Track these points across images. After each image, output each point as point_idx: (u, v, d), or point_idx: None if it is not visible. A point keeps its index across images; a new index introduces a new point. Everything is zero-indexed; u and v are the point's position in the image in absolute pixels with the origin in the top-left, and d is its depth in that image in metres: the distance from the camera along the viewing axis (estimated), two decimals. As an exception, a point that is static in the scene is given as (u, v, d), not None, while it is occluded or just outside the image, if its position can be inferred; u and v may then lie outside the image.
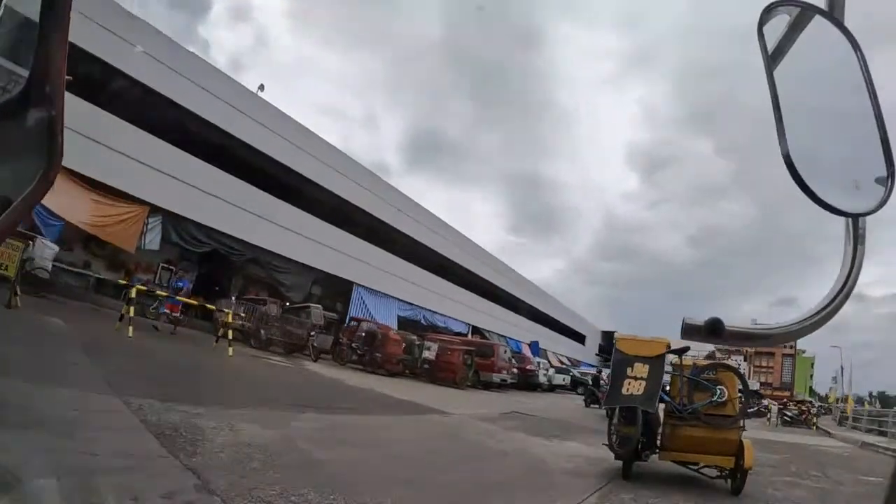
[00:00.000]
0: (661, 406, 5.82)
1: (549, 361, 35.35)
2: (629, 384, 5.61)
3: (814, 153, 0.84)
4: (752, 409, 23.99)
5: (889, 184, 0.77)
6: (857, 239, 0.82)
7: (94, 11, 13.71)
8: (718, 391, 5.62)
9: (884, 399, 53.25)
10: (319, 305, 18.42)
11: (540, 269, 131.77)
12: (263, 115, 19.37)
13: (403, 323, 24.75)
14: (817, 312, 0.78)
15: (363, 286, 23.66)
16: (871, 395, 59.46)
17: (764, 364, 70.72)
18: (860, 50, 0.88)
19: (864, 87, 0.85)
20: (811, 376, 68.06)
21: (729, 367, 6.29)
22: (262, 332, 15.76)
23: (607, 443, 5.93)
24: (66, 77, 0.61)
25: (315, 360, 15.44)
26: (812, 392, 66.50)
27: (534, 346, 34.99)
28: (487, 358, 20.00)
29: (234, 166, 18.21)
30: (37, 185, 0.58)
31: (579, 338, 52.67)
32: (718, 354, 60.32)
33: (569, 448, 7.76)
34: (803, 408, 25.21)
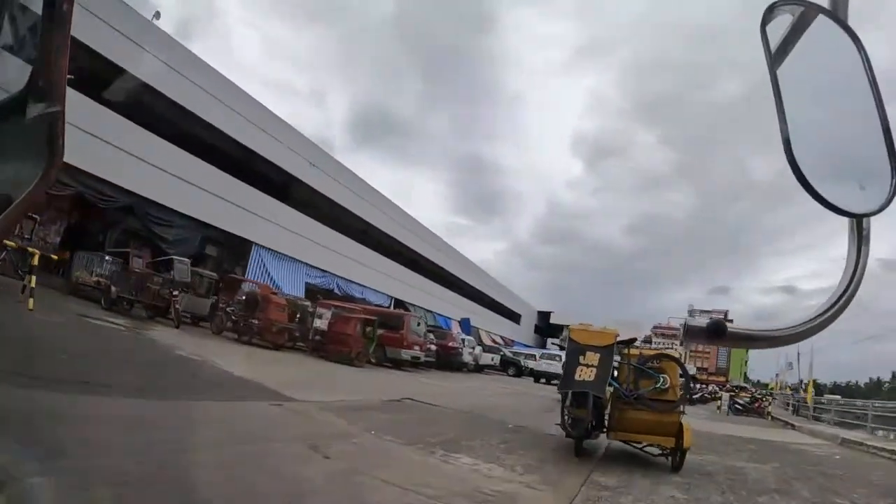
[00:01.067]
0: (610, 390, 6.35)
1: (481, 340, 34.28)
2: (581, 371, 6.07)
3: (817, 153, 0.83)
4: (696, 395, 24.56)
5: (893, 183, 0.77)
6: (860, 239, 0.80)
7: None
8: (661, 379, 6.22)
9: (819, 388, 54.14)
10: (187, 259, 15.10)
11: (482, 250, 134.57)
12: (128, 27, 15.28)
13: (313, 292, 21.86)
14: (823, 313, 0.76)
15: (266, 247, 20.58)
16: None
17: (700, 349, 73.82)
18: (864, 50, 0.88)
19: (868, 86, 0.85)
20: (745, 362, 71.94)
21: (671, 358, 6.88)
22: (113, 289, 13.29)
23: (560, 423, 6.44)
24: (68, 76, 0.61)
25: (177, 326, 12.96)
26: (746, 378, 70.86)
27: (465, 324, 33.42)
28: (395, 330, 17.09)
29: (98, 89, 14.04)
30: (37, 183, 0.59)
31: (515, 317, 50.88)
32: (655, 339, 65.89)
33: (450, 471, 4.76)
34: (756, 395, 24.79)
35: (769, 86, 0.85)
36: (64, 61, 0.59)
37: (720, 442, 10.05)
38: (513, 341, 42.58)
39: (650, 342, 61.64)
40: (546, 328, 58.40)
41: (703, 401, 27.59)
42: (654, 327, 76.25)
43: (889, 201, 0.77)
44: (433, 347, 19.60)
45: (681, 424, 6.04)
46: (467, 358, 23.43)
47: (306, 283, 22.47)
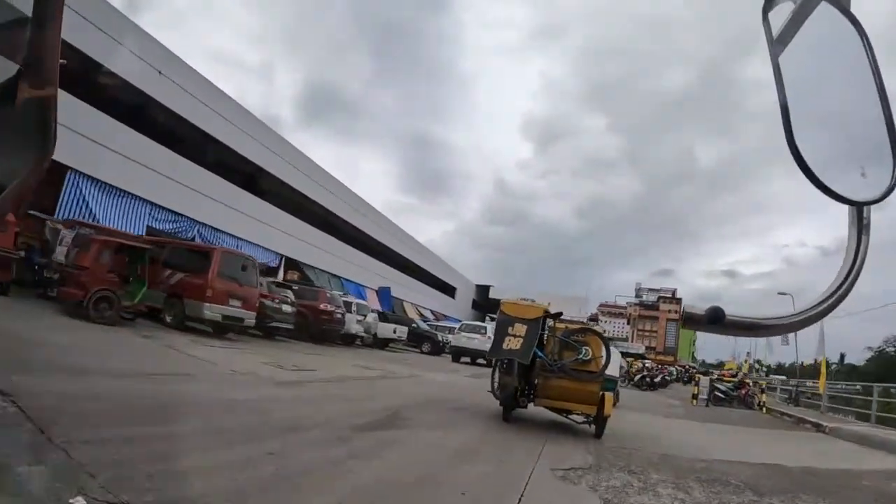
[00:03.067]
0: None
1: (405, 312, 31.01)
2: (509, 341, 6.47)
3: (819, 140, 0.82)
4: (648, 377, 22.37)
5: (895, 172, 0.76)
6: (861, 228, 0.80)
7: None
8: (584, 350, 6.60)
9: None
10: None
11: (428, 230, 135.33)
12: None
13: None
14: (821, 302, 0.75)
15: (88, 175, 14.56)
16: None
17: (648, 328, 75.39)
18: (866, 37, 0.86)
19: (870, 74, 0.84)
20: (694, 342, 71.80)
21: (594, 332, 7.14)
22: None
23: (490, 390, 7.03)
24: (60, 61, 0.61)
25: None
26: (694, 358, 71.12)
27: (384, 294, 29.68)
28: (197, 273, 11.05)
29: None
30: (30, 171, 0.59)
31: (449, 290, 46.82)
32: (602, 317, 64.49)
33: None
34: (744, 379, 18.48)
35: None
36: (56, 49, 0.59)
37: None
38: (444, 316, 38.87)
39: (596, 320, 61.09)
40: (485, 303, 54.30)
41: (662, 384, 23.90)
42: (601, 305, 75.70)
43: (891, 190, 0.76)
44: (289, 308, 13.91)
45: (602, 395, 6.43)
46: (355, 328, 17.55)
47: (148, 227, 16.72)
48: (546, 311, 6.95)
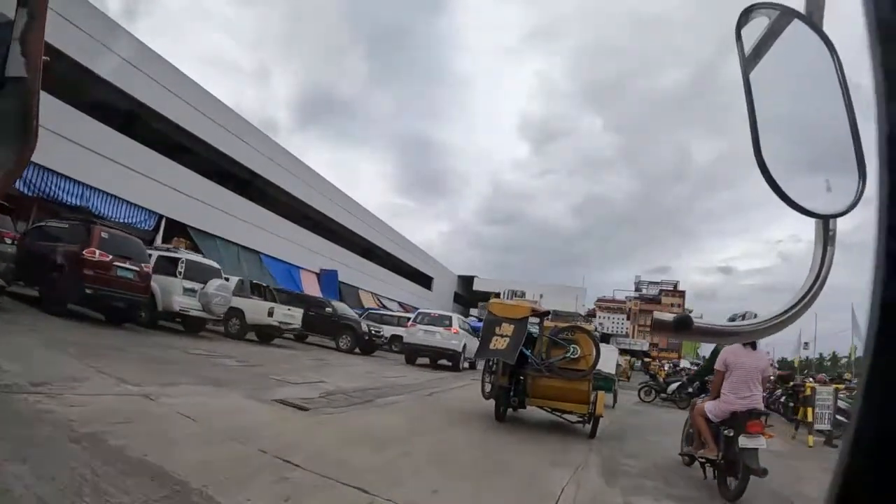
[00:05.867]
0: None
1: (360, 302, 26.20)
2: (496, 341, 6.46)
3: (787, 155, 0.84)
4: (673, 382, 14.19)
5: (860, 186, 0.78)
6: (826, 240, 0.82)
7: None
8: (572, 349, 6.55)
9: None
10: None
11: (424, 231, 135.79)
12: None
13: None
14: (786, 311, 0.76)
15: None
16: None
17: (649, 324, 74.34)
18: (837, 54, 0.90)
19: (840, 91, 0.86)
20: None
21: (584, 329, 7.09)
22: None
23: (482, 391, 7.11)
24: (44, 58, 0.59)
25: None
26: (698, 355, 71.27)
27: (328, 278, 24.83)
28: None
29: None
30: (11, 166, 0.59)
31: (424, 281, 41.05)
32: (600, 312, 62.92)
33: None
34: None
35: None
36: (39, 44, 0.58)
37: None
38: (415, 308, 30.49)
39: (594, 315, 57.72)
40: (469, 296, 49.39)
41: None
42: (599, 300, 74.40)
43: (854, 204, 0.78)
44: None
45: (595, 394, 6.47)
46: (179, 301, 10.79)
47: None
48: (533, 310, 6.97)
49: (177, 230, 17.98)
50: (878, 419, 0.44)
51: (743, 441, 4.34)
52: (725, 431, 4.62)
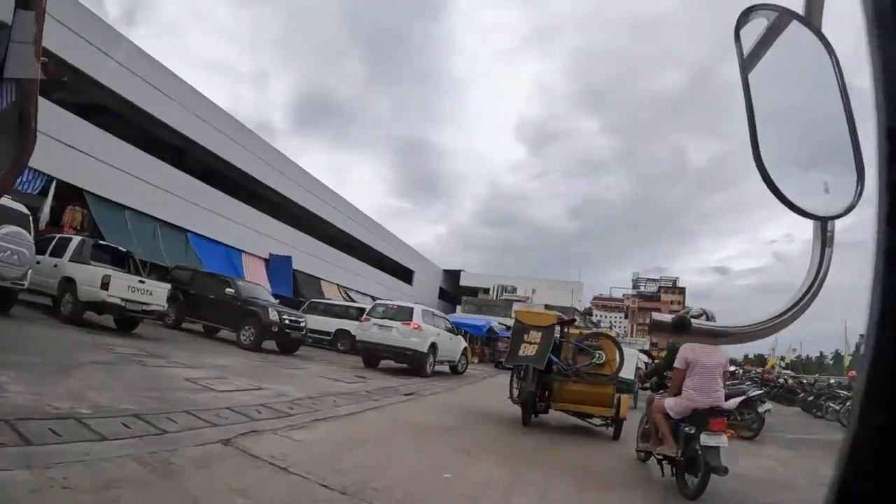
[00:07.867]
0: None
1: (322, 293, 22.95)
2: (525, 348, 6.74)
3: (785, 157, 0.84)
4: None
5: (858, 188, 0.79)
6: (825, 241, 0.82)
7: None
8: (597, 355, 6.80)
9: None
10: None
11: (421, 233, 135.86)
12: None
13: None
14: (783, 313, 0.77)
15: None
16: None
17: (648, 323, 73.68)
18: (835, 56, 0.90)
19: (838, 92, 0.87)
20: None
21: (608, 336, 7.42)
22: None
23: (510, 396, 7.27)
24: (42, 59, 0.58)
25: None
26: None
27: (278, 265, 21.52)
28: None
29: None
30: (8, 170, 0.59)
31: (404, 275, 37.27)
32: (597, 311, 62.26)
33: None
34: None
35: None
36: (37, 47, 0.57)
37: None
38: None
39: (591, 313, 57.20)
40: (455, 292, 45.56)
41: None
42: (595, 298, 74.04)
43: (853, 206, 0.78)
44: None
45: (618, 397, 6.66)
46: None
47: None
48: (560, 318, 7.27)
49: (73, 197, 14.60)
50: (879, 419, 0.44)
51: (705, 438, 4.28)
52: (686, 428, 4.56)
